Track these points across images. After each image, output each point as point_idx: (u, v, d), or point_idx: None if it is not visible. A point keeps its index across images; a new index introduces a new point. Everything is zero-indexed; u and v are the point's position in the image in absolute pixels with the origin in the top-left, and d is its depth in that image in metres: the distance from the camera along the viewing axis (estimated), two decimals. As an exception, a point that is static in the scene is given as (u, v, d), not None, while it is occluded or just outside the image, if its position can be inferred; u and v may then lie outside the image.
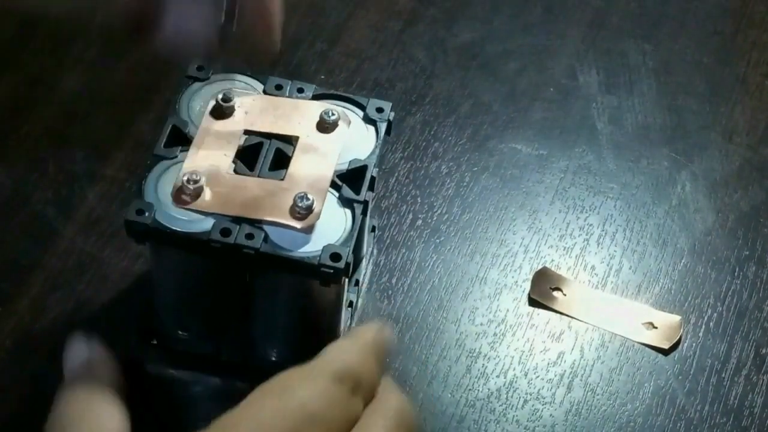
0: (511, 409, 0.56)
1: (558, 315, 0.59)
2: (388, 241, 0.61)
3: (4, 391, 0.54)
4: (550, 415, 0.56)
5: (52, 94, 0.65)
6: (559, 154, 0.66)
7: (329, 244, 0.44)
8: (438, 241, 0.61)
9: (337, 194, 0.47)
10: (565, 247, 0.62)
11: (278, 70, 0.67)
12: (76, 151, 0.63)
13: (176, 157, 0.47)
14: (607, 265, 0.61)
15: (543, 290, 0.60)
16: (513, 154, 0.65)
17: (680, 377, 0.57)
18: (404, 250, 0.61)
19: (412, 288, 0.60)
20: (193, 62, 0.50)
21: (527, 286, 0.60)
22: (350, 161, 0.48)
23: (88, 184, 0.61)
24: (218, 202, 0.45)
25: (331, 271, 0.44)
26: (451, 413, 0.55)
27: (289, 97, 0.50)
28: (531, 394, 0.56)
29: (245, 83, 0.50)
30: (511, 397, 0.56)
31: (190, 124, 0.48)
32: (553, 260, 0.61)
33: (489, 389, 0.56)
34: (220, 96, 0.48)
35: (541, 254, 0.61)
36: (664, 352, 0.58)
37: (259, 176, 0.47)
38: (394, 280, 0.60)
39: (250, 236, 0.44)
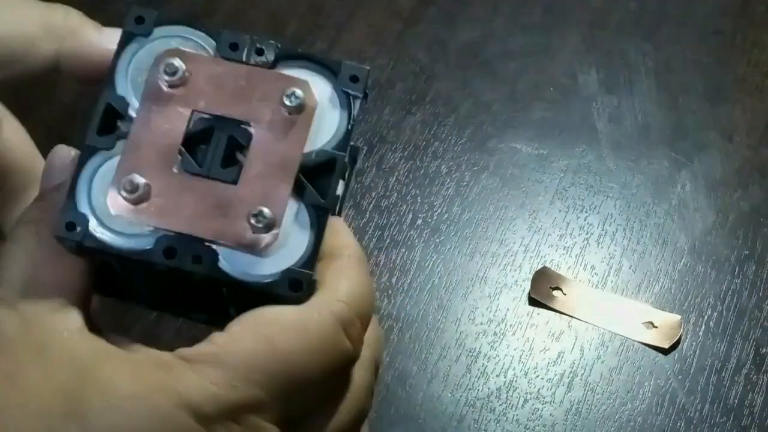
0: (511, 408, 0.56)
1: (558, 314, 0.59)
2: (388, 240, 0.61)
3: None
4: (550, 414, 0.56)
5: (52, 94, 0.65)
6: (559, 154, 0.66)
7: (289, 269, 0.38)
8: (438, 240, 0.61)
9: (299, 198, 0.40)
10: (565, 247, 0.62)
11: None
12: (76, 151, 0.63)
13: (113, 147, 0.40)
14: (607, 265, 0.61)
15: (543, 290, 0.60)
16: (513, 154, 0.65)
17: (680, 377, 0.57)
18: (404, 250, 0.61)
19: (412, 288, 0.60)
20: (131, 12, 0.42)
21: (527, 285, 0.60)
22: (316, 152, 0.40)
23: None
24: (162, 211, 0.39)
25: (291, 297, 0.39)
26: (451, 413, 0.55)
27: (246, 60, 0.41)
28: (531, 394, 0.56)
29: (194, 41, 0.42)
30: (511, 396, 0.56)
31: (131, 98, 0.40)
32: (553, 260, 0.61)
33: (489, 389, 0.56)
34: (162, 68, 0.40)
35: (541, 254, 0.61)
36: (664, 352, 0.58)
37: (209, 174, 0.39)
38: (394, 280, 0.60)
39: (197, 258, 0.38)
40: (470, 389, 0.56)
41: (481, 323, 0.59)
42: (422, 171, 0.64)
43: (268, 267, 0.38)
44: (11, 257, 0.38)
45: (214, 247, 0.38)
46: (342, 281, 0.39)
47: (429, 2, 0.72)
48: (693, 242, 0.63)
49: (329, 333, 0.37)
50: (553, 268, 0.61)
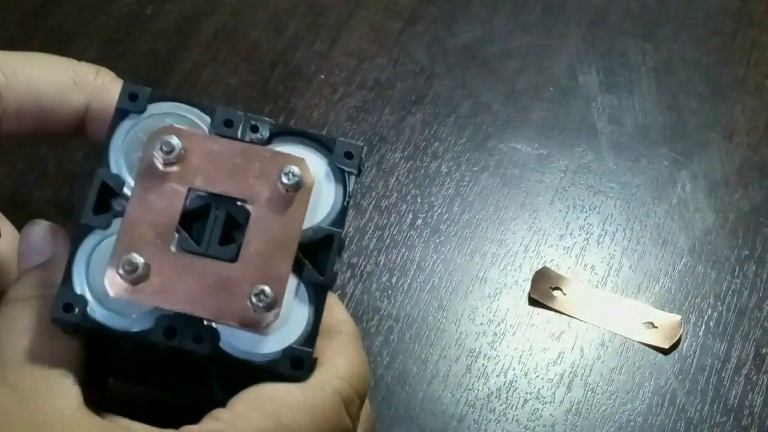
0: (511, 408, 0.56)
1: (558, 314, 0.59)
2: (388, 240, 0.61)
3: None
4: (551, 414, 0.56)
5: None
6: (559, 154, 0.66)
7: (290, 347, 0.38)
8: (438, 240, 0.61)
9: (297, 275, 0.39)
10: (565, 247, 0.62)
11: (278, 70, 0.67)
12: (76, 151, 0.63)
13: (110, 226, 0.39)
14: (607, 265, 0.61)
15: (543, 290, 0.60)
16: (513, 154, 0.65)
17: (680, 377, 0.57)
18: (404, 250, 0.61)
19: (412, 288, 0.60)
20: (125, 89, 0.42)
21: (527, 285, 0.60)
22: (313, 229, 0.40)
23: (88, 184, 0.61)
24: (161, 291, 0.38)
25: (292, 375, 0.38)
26: (451, 413, 0.55)
27: (241, 136, 0.41)
28: (531, 394, 0.56)
29: (188, 117, 0.41)
30: (511, 396, 0.56)
31: (125, 175, 0.40)
32: (553, 260, 0.61)
33: (489, 389, 0.56)
34: (158, 145, 0.39)
35: (541, 254, 0.61)
36: (664, 352, 0.58)
37: (207, 253, 0.39)
38: (394, 280, 0.60)
39: (197, 339, 0.38)
40: (470, 389, 0.56)
41: (481, 323, 0.58)
42: (422, 171, 0.64)
43: (269, 345, 0.38)
44: (4, 335, 0.37)
45: (214, 325, 0.38)
46: (341, 359, 0.39)
47: (429, 2, 0.72)
48: (693, 242, 0.62)
49: (334, 410, 0.37)
50: (553, 268, 0.61)
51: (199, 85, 0.67)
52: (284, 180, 0.39)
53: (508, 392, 0.56)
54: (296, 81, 0.67)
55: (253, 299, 0.38)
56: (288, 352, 0.38)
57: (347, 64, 0.69)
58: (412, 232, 0.62)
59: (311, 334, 0.38)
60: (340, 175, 0.41)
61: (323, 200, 0.41)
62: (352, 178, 0.41)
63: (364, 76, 0.68)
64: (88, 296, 0.38)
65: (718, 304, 0.60)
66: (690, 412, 0.56)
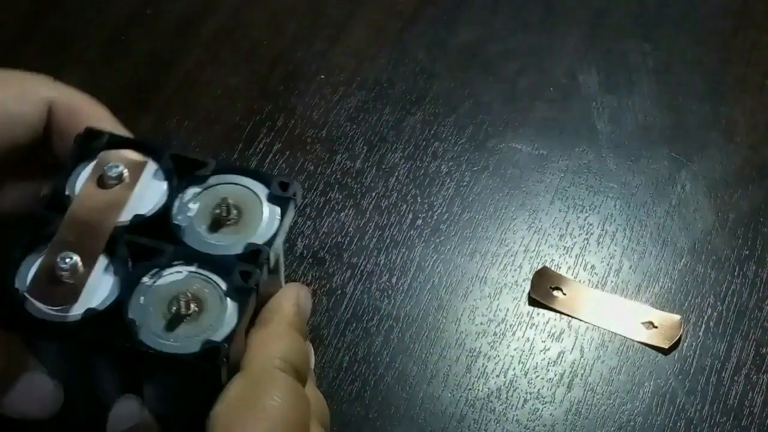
0: (511, 408, 0.56)
1: (558, 314, 0.59)
2: (388, 240, 0.61)
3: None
4: (550, 414, 0.56)
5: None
6: (559, 154, 0.66)
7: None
8: (438, 240, 0.61)
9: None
10: (565, 247, 0.62)
11: (278, 70, 0.67)
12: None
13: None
14: (607, 265, 0.61)
15: (543, 290, 0.60)
16: (513, 154, 0.65)
17: (680, 377, 0.57)
18: (404, 250, 0.61)
19: (412, 288, 0.60)
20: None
21: (527, 285, 0.60)
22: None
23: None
24: None
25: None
26: (451, 413, 0.55)
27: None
28: (531, 394, 0.56)
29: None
30: (511, 396, 0.56)
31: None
32: (553, 260, 0.61)
33: (489, 389, 0.56)
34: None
35: (541, 254, 0.61)
36: (664, 352, 0.58)
37: None
38: (394, 280, 0.60)
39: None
40: (470, 389, 0.56)
41: (481, 323, 0.59)
42: (422, 171, 0.64)
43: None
44: None
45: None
46: (272, 344, 0.41)
47: (429, 2, 0.72)
48: (693, 242, 0.62)
49: (287, 386, 0.40)
50: (553, 268, 0.61)
51: (199, 85, 0.67)
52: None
53: (508, 392, 0.56)
54: (296, 81, 0.67)
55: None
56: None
57: (347, 64, 0.69)
58: (412, 232, 0.62)
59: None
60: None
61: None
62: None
63: (364, 76, 0.68)
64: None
65: (718, 304, 0.60)
66: (690, 412, 0.56)
